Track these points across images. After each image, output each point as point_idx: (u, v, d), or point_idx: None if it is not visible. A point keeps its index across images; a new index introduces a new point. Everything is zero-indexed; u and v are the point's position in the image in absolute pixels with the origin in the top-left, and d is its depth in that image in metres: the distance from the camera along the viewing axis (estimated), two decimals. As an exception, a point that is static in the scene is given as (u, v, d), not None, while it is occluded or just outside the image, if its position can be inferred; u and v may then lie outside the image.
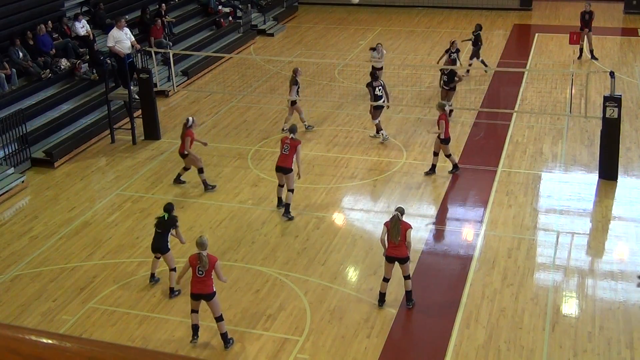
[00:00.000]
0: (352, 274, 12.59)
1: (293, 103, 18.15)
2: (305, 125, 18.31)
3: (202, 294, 10.33)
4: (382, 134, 17.59)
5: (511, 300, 11.48)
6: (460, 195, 15.18)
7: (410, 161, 16.64)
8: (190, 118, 15.53)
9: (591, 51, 23.56)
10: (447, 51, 20.52)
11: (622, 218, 14.26)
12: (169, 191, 15.64)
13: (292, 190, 14.13)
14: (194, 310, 10.49)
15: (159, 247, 11.80)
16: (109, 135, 18.42)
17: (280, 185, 14.46)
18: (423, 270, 12.46)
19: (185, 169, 15.73)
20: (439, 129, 15.46)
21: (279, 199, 14.59)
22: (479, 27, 22.45)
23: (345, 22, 29.93)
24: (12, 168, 16.41)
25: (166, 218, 11.79)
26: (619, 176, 15.42)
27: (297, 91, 18.08)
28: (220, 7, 27.40)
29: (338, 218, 14.57)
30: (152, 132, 18.37)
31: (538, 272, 12.36)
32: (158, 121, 18.51)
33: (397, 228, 10.89)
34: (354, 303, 11.55)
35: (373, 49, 20.79)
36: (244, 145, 17.88)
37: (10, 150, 16.69)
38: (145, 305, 11.64)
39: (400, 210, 11.07)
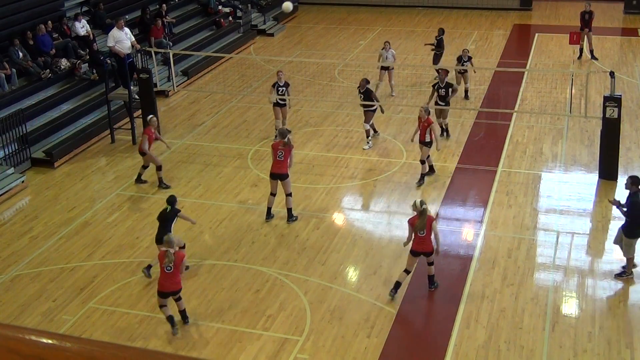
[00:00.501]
0: (352, 274, 12.59)
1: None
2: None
3: (168, 291, 10.65)
4: (369, 140, 17.22)
5: (511, 300, 11.48)
6: (460, 195, 15.18)
7: (410, 161, 16.64)
8: (150, 116, 15.65)
9: (591, 51, 23.56)
10: (459, 59, 19.99)
11: (622, 218, 14.22)
12: (168, 191, 15.62)
13: (290, 194, 13.89)
14: (163, 305, 10.72)
15: (162, 238, 11.81)
16: (109, 135, 18.43)
17: (273, 194, 13.87)
18: (423, 271, 12.44)
19: (144, 167, 15.75)
20: (431, 136, 15.06)
21: (269, 210, 14.03)
22: (441, 32, 21.79)
23: (345, 22, 29.94)
24: (12, 168, 16.41)
25: (168, 210, 12.16)
26: (619, 176, 15.41)
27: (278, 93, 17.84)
28: (220, 7, 27.41)
29: (338, 218, 14.57)
30: (152, 132, 18.35)
31: (538, 272, 12.36)
32: (158, 121, 18.48)
33: (423, 221, 11.15)
34: (354, 303, 11.55)
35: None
36: (244, 145, 17.87)
37: (10, 150, 16.69)
38: (145, 305, 11.64)
39: (424, 203, 11.39)
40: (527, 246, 13.10)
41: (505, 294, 11.64)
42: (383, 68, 20.30)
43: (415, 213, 11.31)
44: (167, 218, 12.09)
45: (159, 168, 15.59)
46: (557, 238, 13.42)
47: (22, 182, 16.11)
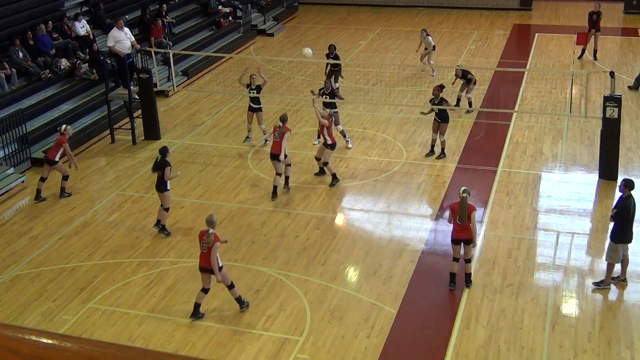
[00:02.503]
0: (352, 274, 12.59)
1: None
2: (249, 136, 17.85)
3: (205, 268, 11.00)
4: (348, 139, 17.45)
5: (511, 300, 11.47)
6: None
7: (410, 161, 16.64)
8: (64, 125, 15.61)
9: (594, 51, 23.54)
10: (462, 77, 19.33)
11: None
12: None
13: (290, 165, 15.18)
14: (204, 289, 11.14)
15: (158, 185, 13.55)
16: (109, 135, 18.42)
17: (278, 174, 14.93)
18: (423, 270, 12.46)
19: (64, 177, 15.62)
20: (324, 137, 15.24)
21: (274, 189, 14.96)
22: (333, 48, 20.11)
23: (345, 22, 29.93)
24: (12, 168, 16.41)
25: (158, 160, 13.44)
26: (619, 176, 15.40)
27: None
28: (220, 7, 27.41)
29: (338, 218, 14.57)
30: (152, 132, 18.37)
31: (538, 272, 12.36)
32: (158, 121, 18.51)
33: (465, 210, 11.24)
34: (354, 303, 11.55)
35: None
36: (244, 145, 17.86)
37: (10, 150, 16.69)
38: (145, 305, 11.64)
39: (468, 192, 11.39)
40: (527, 246, 13.09)
41: (505, 294, 11.64)
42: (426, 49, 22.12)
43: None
44: (156, 167, 13.46)
45: (65, 178, 15.52)
46: (557, 238, 13.42)
47: (22, 182, 16.11)
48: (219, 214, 14.47)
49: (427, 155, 16.74)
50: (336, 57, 19.61)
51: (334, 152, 15.74)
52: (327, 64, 20.01)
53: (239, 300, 11.32)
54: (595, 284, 11.78)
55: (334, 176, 15.40)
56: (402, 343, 10.72)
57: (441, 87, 16.60)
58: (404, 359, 10.47)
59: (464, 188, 11.54)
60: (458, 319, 11.06)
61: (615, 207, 11.70)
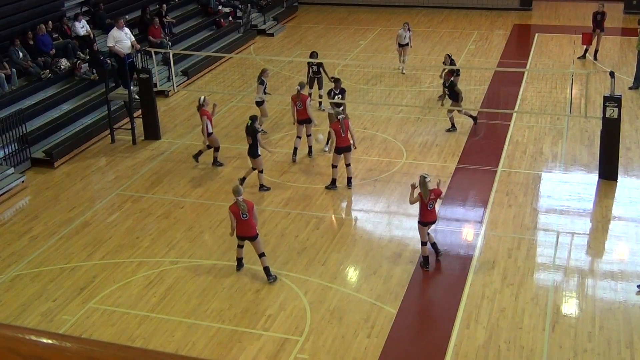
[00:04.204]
0: (352, 274, 12.59)
1: (259, 104, 18.19)
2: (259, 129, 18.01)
3: (246, 236, 11.78)
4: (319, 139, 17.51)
5: (511, 300, 11.48)
6: (460, 195, 15.18)
7: (410, 161, 16.65)
8: (202, 97, 16.44)
9: (595, 51, 23.54)
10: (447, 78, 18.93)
11: (622, 218, 14.26)
12: (169, 191, 15.66)
13: (309, 135, 16.73)
14: (240, 245, 12.07)
15: (250, 151, 14.76)
16: (109, 135, 18.42)
17: (299, 137, 16.58)
18: (423, 270, 12.45)
19: (216, 149, 16.62)
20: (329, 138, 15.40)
21: (295, 149, 16.58)
22: (315, 55, 19.84)
23: (345, 22, 29.94)
24: (12, 168, 16.40)
25: (249, 125, 14.71)
26: (619, 176, 15.42)
27: (264, 91, 18.08)
28: (220, 7, 27.41)
29: (338, 218, 14.57)
30: (152, 132, 18.37)
31: (538, 272, 12.36)
32: (158, 121, 18.51)
33: (426, 189, 11.86)
34: (354, 303, 11.55)
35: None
36: (244, 145, 17.82)
37: (10, 150, 16.69)
38: (145, 305, 11.65)
39: (426, 175, 12.12)
40: (527, 246, 13.09)
41: (505, 294, 11.64)
42: (400, 45, 22.44)
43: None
44: (249, 132, 14.61)
45: (216, 149, 16.67)
46: (557, 238, 13.42)
47: (22, 182, 16.11)
48: (219, 214, 14.49)
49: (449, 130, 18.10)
50: (320, 64, 19.47)
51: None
52: (309, 70, 19.81)
53: (267, 270, 11.95)
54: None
55: (334, 182, 15.36)
56: (402, 343, 10.72)
57: (451, 72, 18.23)
58: (404, 359, 10.47)
59: (422, 174, 12.23)
60: (458, 319, 11.06)
61: None
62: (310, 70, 19.85)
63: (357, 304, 11.51)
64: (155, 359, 1.57)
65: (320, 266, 12.60)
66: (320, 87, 19.73)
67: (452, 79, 18.09)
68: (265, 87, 18.17)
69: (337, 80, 17.44)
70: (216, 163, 16.63)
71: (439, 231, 13.81)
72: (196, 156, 16.81)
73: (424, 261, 12.34)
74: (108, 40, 18.99)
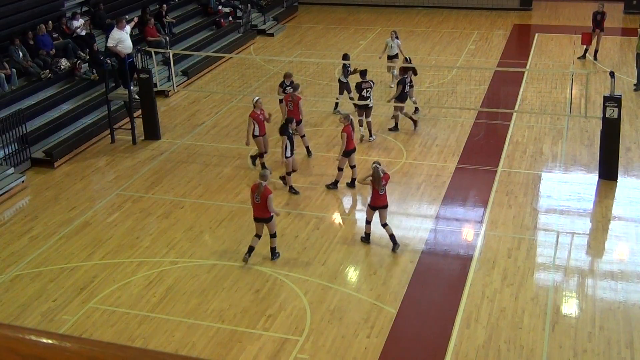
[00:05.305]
0: (352, 274, 12.59)
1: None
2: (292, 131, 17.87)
3: (259, 218, 12.38)
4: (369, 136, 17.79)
5: (511, 300, 11.48)
6: (460, 195, 15.18)
7: (410, 161, 16.65)
8: (255, 98, 16.05)
9: (595, 51, 23.54)
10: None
11: (622, 218, 14.26)
12: (169, 191, 15.65)
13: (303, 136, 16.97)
14: (257, 235, 12.52)
15: (283, 132, 14.94)
16: (109, 135, 18.42)
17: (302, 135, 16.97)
18: (423, 270, 12.46)
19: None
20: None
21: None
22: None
23: (345, 22, 29.93)
24: (12, 168, 16.40)
25: (282, 125, 15.23)
26: (619, 176, 15.42)
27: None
28: (220, 7, 27.41)
29: (338, 218, 14.57)
30: (152, 132, 18.37)
31: (538, 272, 12.36)
32: (158, 121, 18.51)
33: (379, 178, 12.52)
34: (354, 303, 11.55)
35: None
36: (244, 145, 17.84)
37: (10, 150, 16.69)
38: (145, 305, 11.64)
39: (378, 163, 12.86)
40: (527, 246, 13.09)
41: (505, 294, 11.64)
42: (390, 57, 21.00)
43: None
44: (280, 133, 15.01)
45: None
46: (557, 238, 13.42)
47: (22, 182, 16.11)
48: (219, 214, 14.50)
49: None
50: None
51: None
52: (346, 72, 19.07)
53: (273, 250, 12.66)
54: None
55: (336, 183, 15.37)
56: (402, 343, 10.72)
57: (406, 70, 18.20)
58: (404, 359, 10.48)
59: (375, 160, 13.07)
60: (458, 319, 11.06)
61: None
62: (346, 73, 19.10)
63: (357, 304, 11.51)
64: (155, 359, 1.57)
65: (320, 266, 12.60)
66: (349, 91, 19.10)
67: (405, 76, 17.88)
68: (293, 90, 17.72)
69: (363, 73, 17.70)
70: (257, 165, 16.19)
71: (439, 231, 13.83)
72: (253, 158, 16.52)
73: (366, 237, 13.16)
74: (109, 41, 18.98)
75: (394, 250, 12.88)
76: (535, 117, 18.98)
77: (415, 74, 18.89)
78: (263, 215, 12.37)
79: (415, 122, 18.23)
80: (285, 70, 20.68)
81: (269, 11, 29.57)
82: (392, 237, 12.92)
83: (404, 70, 18.45)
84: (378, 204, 12.82)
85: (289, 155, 14.84)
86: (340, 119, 15.42)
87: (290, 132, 14.87)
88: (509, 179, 15.66)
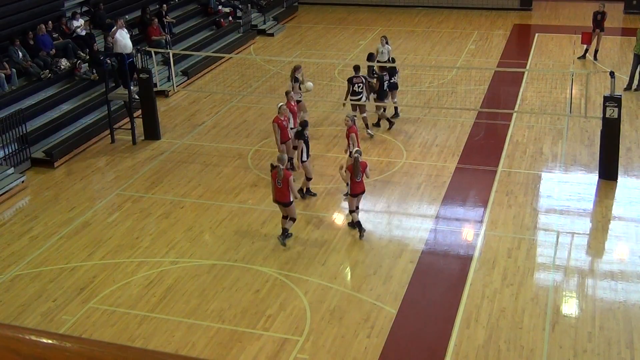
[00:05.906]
0: (352, 274, 12.59)
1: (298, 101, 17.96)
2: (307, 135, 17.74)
3: (280, 201, 12.89)
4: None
5: (511, 300, 11.48)
6: (460, 195, 15.18)
7: (410, 161, 16.65)
8: (280, 104, 15.76)
9: (595, 51, 23.53)
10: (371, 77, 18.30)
11: (622, 218, 14.26)
12: (169, 191, 15.65)
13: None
14: (284, 216, 13.10)
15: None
16: (109, 135, 18.42)
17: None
18: (423, 270, 12.46)
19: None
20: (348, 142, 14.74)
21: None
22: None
23: (345, 22, 29.93)
24: (12, 168, 16.41)
25: (298, 130, 14.95)
26: (619, 176, 15.42)
27: (299, 88, 17.88)
28: (220, 7, 27.41)
29: (338, 218, 14.57)
30: (152, 132, 18.37)
31: (538, 272, 12.36)
32: (158, 121, 18.51)
33: (358, 167, 13.05)
34: (354, 303, 11.55)
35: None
36: (244, 145, 17.87)
37: (10, 150, 16.69)
38: (145, 305, 11.64)
39: (359, 152, 13.29)
40: (527, 246, 13.10)
41: (505, 294, 11.64)
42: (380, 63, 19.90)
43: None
44: (296, 137, 14.92)
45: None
46: (557, 238, 13.42)
47: (22, 182, 16.11)
48: (219, 214, 14.50)
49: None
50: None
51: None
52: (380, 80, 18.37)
53: (284, 231, 13.09)
54: None
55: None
56: (402, 343, 10.72)
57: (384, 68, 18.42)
58: (404, 359, 10.48)
59: (356, 149, 13.42)
60: (458, 319, 11.06)
61: None
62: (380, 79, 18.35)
63: (357, 304, 11.51)
64: (155, 359, 1.57)
65: (320, 266, 12.60)
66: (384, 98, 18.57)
67: (383, 73, 18.07)
68: (300, 85, 17.75)
69: (356, 68, 17.87)
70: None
71: (439, 231, 13.83)
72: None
73: (356, 225, 13.39)
74: (112, 34, 19.11)
75: (360, 237, 13.33)
76: (535, 117, 18.98)
77: (394, 74, 18.66)
78: (283, 200, 12.83)
79: (391, 123, 18.30)
80: (285, 70, 20.77)
81: (269, 11, 29.57)
82: (358, 223, 13.34)
83: (383, 69, 18.50)
84: (358, 191, 13.34)
85: (305, 160, 14.81)
86: (346, 121, 15.25)
87: (306, 136, 14.82)
88: (509, 179, 15.66)
